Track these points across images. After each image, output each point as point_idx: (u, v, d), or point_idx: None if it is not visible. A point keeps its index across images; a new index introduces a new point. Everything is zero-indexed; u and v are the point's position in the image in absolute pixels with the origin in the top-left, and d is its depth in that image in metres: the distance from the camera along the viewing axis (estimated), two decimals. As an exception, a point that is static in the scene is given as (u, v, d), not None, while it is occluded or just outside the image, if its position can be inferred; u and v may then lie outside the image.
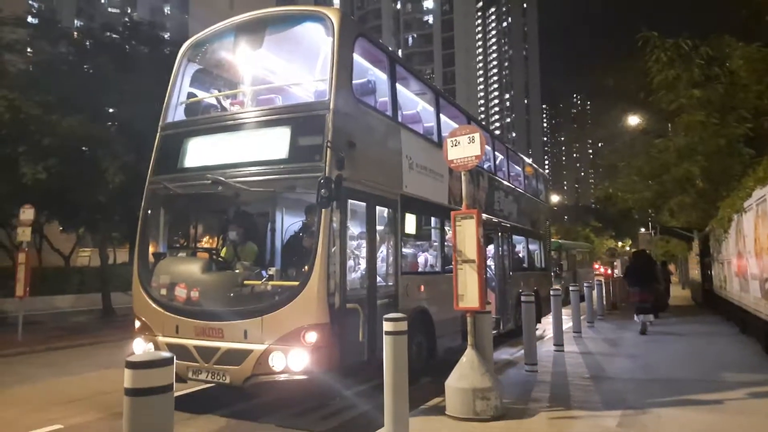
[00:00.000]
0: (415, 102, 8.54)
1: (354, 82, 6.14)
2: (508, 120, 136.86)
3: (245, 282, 5.67)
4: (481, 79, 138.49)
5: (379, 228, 6.34)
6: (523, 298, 7.70)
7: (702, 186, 13.87)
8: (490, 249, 10.06)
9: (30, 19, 16.43)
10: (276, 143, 5.70)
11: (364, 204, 6.04)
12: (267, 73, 7.43)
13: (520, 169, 13.51)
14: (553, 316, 9.34)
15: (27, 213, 11.22)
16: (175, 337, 5.52)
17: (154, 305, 5.78)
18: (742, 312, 10.16)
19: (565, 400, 5.66)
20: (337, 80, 5.65)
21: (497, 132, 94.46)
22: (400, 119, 7.31)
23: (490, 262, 10.00)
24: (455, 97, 66.12)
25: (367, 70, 7.03)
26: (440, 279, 7.61)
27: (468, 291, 5.26)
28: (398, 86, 7.36)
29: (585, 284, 12.24)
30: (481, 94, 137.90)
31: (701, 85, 12.95)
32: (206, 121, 6.50)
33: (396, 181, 6.76)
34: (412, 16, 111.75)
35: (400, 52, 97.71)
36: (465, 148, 5.58)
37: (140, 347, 5.73)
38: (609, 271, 40.56)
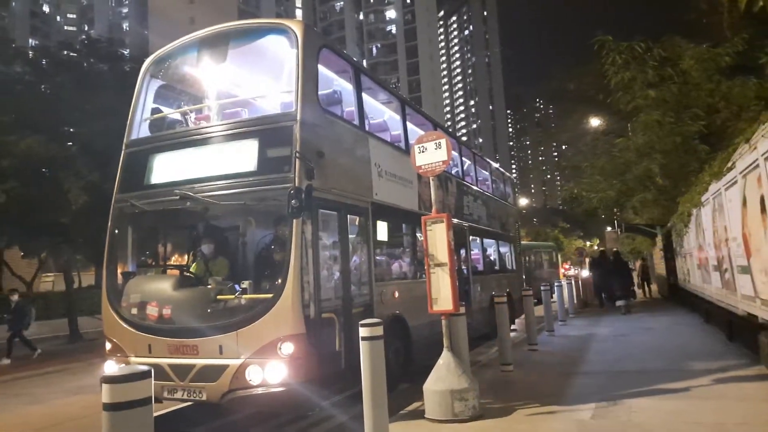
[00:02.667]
0: (381, 111, 8.63)
1: (320, 92, 6.18)
2: (474, 126, 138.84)
3: (218, 297, 5.60)
4: (446, 87, 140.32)
5: (351, 236, 6.36)
6: (496, 300, 7.83)
7: (662, 183, 14.37)
8: (462, 253, 10.19)
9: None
10: (244, 156, 5.67)
11: (335, 213, 6.05)
12: (232, 87, 7.41)
13: (487, 173, 13.74)
14: (525, 316, 9.50)
15: (-14, 238, 10.88)
16: (148, 356, 5.39)
17: (125, 325, 5.65)
18: (706, 303, 10.53)
19: (540, 396, 5.77)
20: (302, 91, 5.67)
21: (464, 138, 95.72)
22: (367, 128, 7.38)
23: (462, 266, 10.12)
24: (421, 105, 66.74)
25: (332, 81, 7.09)
26: (414, 285, 7.67)
27: (441, 294, 5.33)
28: (364, 96, 7.42)
29: (542, 287, 12.10)
30: (447, 101, 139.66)
31: (656, 86, 13.46)
32: (172, 136, 6.42)
33: (366, 189, 6.80)
34: (375, 26, 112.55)
35: (365, 62, 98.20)
36: (432, 153, 5.68)
37: (112, 369, 5.58)
38: (566, 269, 41.19)
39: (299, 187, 5.16)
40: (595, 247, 57.60)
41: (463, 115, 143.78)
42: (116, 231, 6.23)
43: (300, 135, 5.44)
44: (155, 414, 5.66)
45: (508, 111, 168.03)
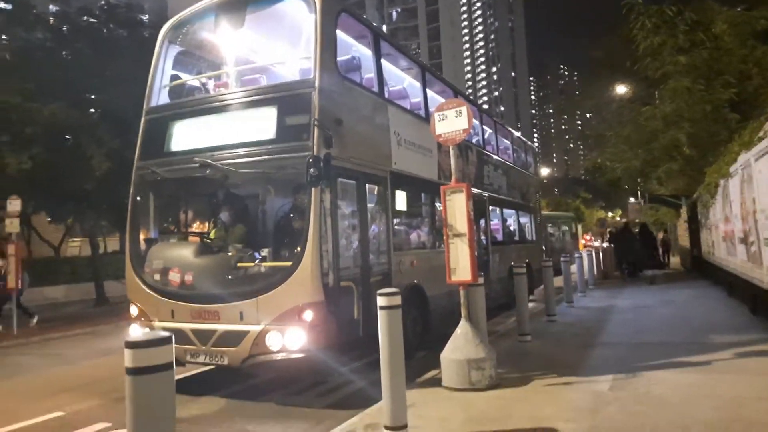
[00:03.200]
0: (401, 77, 8.48)
1: (339, 59, 6.09)
2: (496, 93, 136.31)
3: (239, 264, 5.66)
4: (468, 53, 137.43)
5: (369, 205, 6.35)
6: (515, 270, 7.79)
7: (689, 152, 13.98)
8: (481, 223, 10.12)
9: (2, 4, 16.01)
10: (262, 123, 5.66)
11: (354, 182, 6.03)
12: (250, 53, 7.34)
13: (508, 142, 13.52)
14: (544, 287, 9.45)
15: (14, 204, 11.10)
16: (171, 321, 5.53)
17: (148, 291, 5.78)
18: (730, 276, 10.35)
19: (558, 367, 5.77)
20: (321, 58, 5.59)
21: (485, 106, 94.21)
22: (386, 95, 7.27)
23: (481, 236, 10.07)
24: (442, 72, 65.68)
25: (351, 47, 6.96)
26: (433, 255, 7.66)
27: (460, 264, 5.31)
28: (384, 62, 7.30)
29: (562, 258, 11.78)
30: (468, 68, 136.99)
31: (686, 51, 12.98)
32: (191, 103, 6.42)
33: (385, 158, 6.75)
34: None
35: (384, 28, 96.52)
36: (452, 122, 5.57)
37: (136, 333, 5.73)
38: (588, 240, 40.61)
39: (318, 156, 5.13)
40: (618, 218, 56.93)
41: (484, 83, 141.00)
42: (138, 198, 6.31)
43: (318, 102, 5.40)
44: (178, 377, 5.87)
45: (531, 78, 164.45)
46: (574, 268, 13.01)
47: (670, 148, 14.57)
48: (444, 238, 5.49)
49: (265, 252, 5.71)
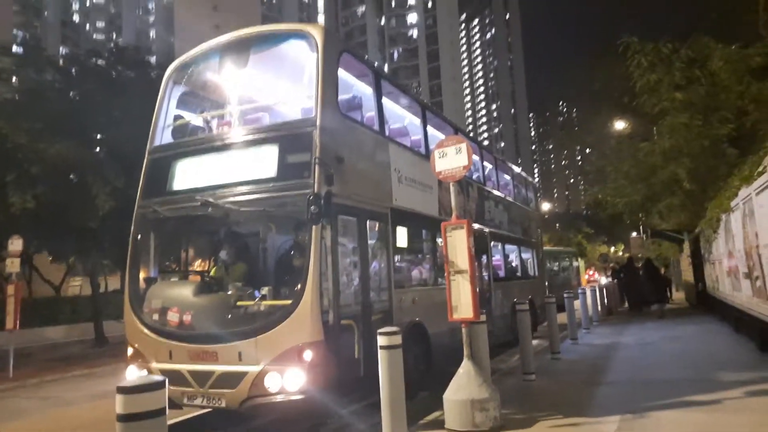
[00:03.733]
0: (401, 116, 8.59)
1: (340, 97, 6.19)
2: (496, 130, 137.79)
3: (238, 303, 5.61)
4: (468, 91, 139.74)
5: (370, 242, 6.35)
6: (518, 307, 7.71)
7: (689, 187, 14.01)
8: (483, 259, 10.07)
9: (15, 48, 16.43)
10: (264, 162, 5.71)
11: (354, 219, 6.04)
12: (253, 92, 7.46)
13: (509, 178, 13.59)
14: (548, 323, 9.32)
15: (15, 244, 11.12)
16: (169, 362, 5.44)
17: (146, 331, 5.71)
18: (736, 311, 10.21)
19: (563, 407, 5.64)
20: (322, 96, 5.68)
21: (486, 142, 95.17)
22: (387, 133, 7.35)
23: (483, 272, 10.00)
24: (442, 110, 66.65)
25: (352, 86, 7.08)
26: (434, 292, 7.60)
27: (462, 301, 5.25)
28: (384, 100, 7.41)
29: (565, 294, 11.18)
30: (468, 105, 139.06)
31: (683, 88, 13.16)
32: (194, 142, 6.49)
33: (386, 195, 6.78)
34: (396, 30, 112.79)
35: (386, 67, 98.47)
36: (452, 158, 5.61)
37: (134, 375, 5.64)
38: (591, 276, 40.32)
39: (318, 193, 5.16)
40: (620, 253, 56.64)
41: (484, 119, 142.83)
42: (139, 236, 6.31)
43: (320, 141, 5.46)
44: (176, 420, 5.71)
45: (531, 114, 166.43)
46: (577, 303, 12.87)
47: (670, 182, 14.62)
48: (445, 274, 5.44)
49: (265, 290, 5.65)
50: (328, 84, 5.85)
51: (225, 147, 6.13)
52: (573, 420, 5.17)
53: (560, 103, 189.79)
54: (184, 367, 5.34)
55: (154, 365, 5.55)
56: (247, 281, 6.08)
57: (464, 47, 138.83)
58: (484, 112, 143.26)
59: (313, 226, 5.13)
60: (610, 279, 21.65)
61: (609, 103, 21.23)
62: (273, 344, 5.01)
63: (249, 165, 5.87)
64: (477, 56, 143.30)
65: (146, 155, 6.63)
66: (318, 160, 5.32)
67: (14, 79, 15.04)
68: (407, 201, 7.28)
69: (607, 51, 17.80)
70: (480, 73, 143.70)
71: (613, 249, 61.81)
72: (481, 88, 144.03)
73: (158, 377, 2.35)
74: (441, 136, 9.04)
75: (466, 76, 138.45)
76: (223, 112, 7.19)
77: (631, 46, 13.42)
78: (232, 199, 5.67)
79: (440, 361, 7.13)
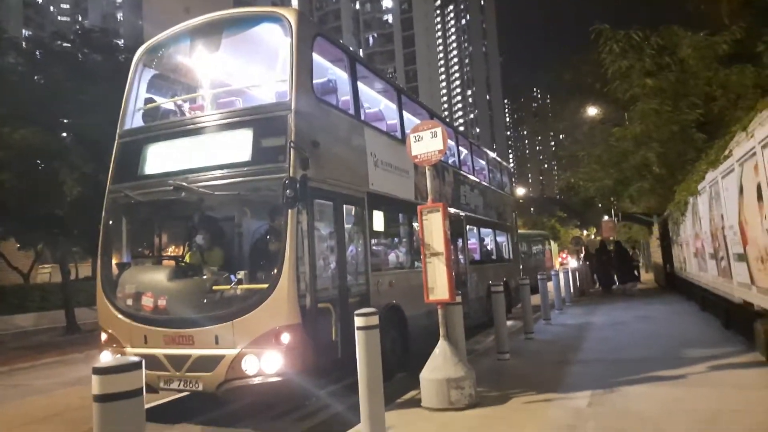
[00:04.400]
0: (377, 100, 8.58)
1: (315, 82, 6.14)
2: (472, 116, 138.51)
3: (214, 287, 5.59)
4: (443, 77, 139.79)
5: (347, 226, 6.35)
6: (492, 289, 7.84)
7: (659, 171, 14.37)
8: (459, 242, 10.17)
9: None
10: (238, 146, 5.64)
11: (331, 203, 6.04)
12: (226, 76, 7.35)
13: (484, 163, 13.70)
14: (522, 305, 9.50)
15: (-19, 230, 10.81)
16: (144, 347, 5.38)
17: (120, 316, 5.64)
18: (702, 291, 10.56)
19: (537, 385, 5.78)
20: (297, 80, 5.63)
21: (461, 128, 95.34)
22: (363, 117, 7.33)
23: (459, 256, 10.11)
24: (418, 95, 66.52)
25: (327, 70, 7.04)
26: (411, 274, 7.65)
27: (438, 283, 5.32)
28: (360, 85, 7.38)
29: (539, 276, 11.81)
30: (444, 91, 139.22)
31: (653, 74, 13.42)
32: (166, 126, 6.36)
33: (362, 179, 6.78)
34: (371, 15, 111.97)
35: (361, 52, 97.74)
36: (428, 143, 5.63)
37: (108, 360, 5.56)
38: (564, 259, 41.31)
39: (294, 177, 5.14)
40: (592, 236, 57.81)
41: (460, 105, 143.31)
42: (110, 222, 6.21)
43: (295, 124, 5.41)
44: (151, 404, 5.66)
45: (506, 101, 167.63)
46: (551, 285, 13.13)
47: (641, 167, 14.96)
48: (421, 257, 5.50)
49: (241, 275, 5.63)
50: (303, 68, 5.79)
51: (198, 131, 6.03)
52: (546, 396, 5.30)
53: (534, 90, 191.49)
54: (160, 351, 5.29)
55: (129, 350, 5.49)
56: (223, 266, 6.05)
57: (439, 33, 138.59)
58: (459, 98, 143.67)
59: (289, 211, 5.09)
60: (581, 262, 22.11)
61: (582, 90, 21.51)
62: (250, 328, 5.00)
63: (223, 149, 5.79)
64: (452, 42, 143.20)
65: (116, 139, 6.49)
66: (293, 144, 5.29)
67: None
68: (383, 185, 7.29)
69: (579, 39, 17.99)
70: (455, 59, 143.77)
71: (585, 232, 63.04)
72: (457, 74, 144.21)
73: (135, 358, 2.33)
74: (417, 121, 9.03)
75: (442, 62, 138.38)
76: (196, 95, 7.09)
77: (603, 33, 13.60)
78: (205, 183, 5.58)
79: (417, 343, 7.21)
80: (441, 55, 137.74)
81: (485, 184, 12.95)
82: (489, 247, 12.75)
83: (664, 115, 13.15)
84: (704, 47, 12.54)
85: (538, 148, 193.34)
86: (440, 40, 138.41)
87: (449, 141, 10.05)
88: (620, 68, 13.73)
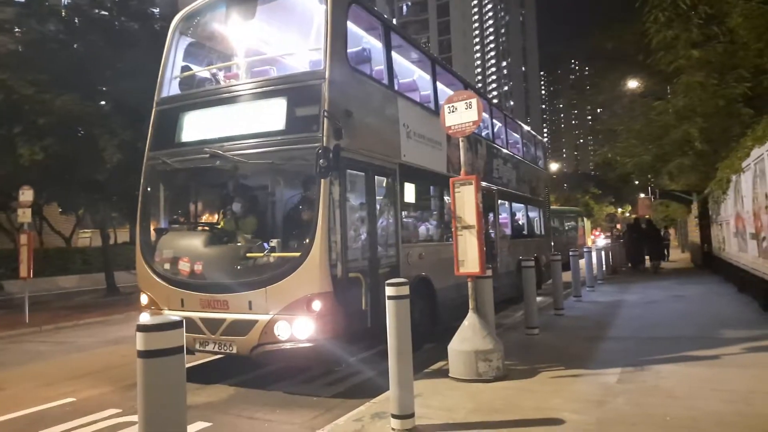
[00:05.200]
0: (411, 70, 8.48)
1: (349, 50, 6.09)
2: (506, 88, 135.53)
3: (248, 254, 5.69)
4: (478, 47, 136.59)
5: (378, 198, 6.37)
6: (523, 264, 7.79)
7: (701, 148, 13.83)
8: (490, 216, 10.09)
9: (17, -3, 16.09)
10: (272, 115, 5.67)
11: (363, 174, 6.05)
12: (261, 44, 7.35)
13: (518, 136, 13.46)
14: (552, 281, 9.42)
15: (26, 194, 11.21)
16: (181, 310, 5.58)
17: (158, 280, 5.86)
18: (741, 272, 10.28)
19: (566, 360, 5.77)
20: (331, 49, 5.59)
21: (495, 100, 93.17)
22: (396, 87, 7.26)
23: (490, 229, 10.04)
24: (452, 66, 65.23)
25: (361, 38, 6.96)
26: (441, 247, 7.66)
27: (468, 256, 5.31)
28: (394, 54, 7.29)
29: (570, 252, 11.74)
30: (478, 62, 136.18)
31: (700, 45, 12.82)
32: (202, 94, 6.42)
33: (394, 150, 6.74)
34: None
35: (394, 21, 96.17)
36: (462, 114, 5.56)
37: (147, 321, 5.77)
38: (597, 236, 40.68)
39: (327, 147, 5.16)
40: (627, 214, 56.54)
41: (494, 77, 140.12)
42: (148, 188, 6.38)
43: (328, 94, 5.40)
44: (189, 365, 5.88)
45: (542, 73, 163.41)
46: (582, 263, 12.96)
47: (682, 143, 14.43)
48: (452, 230, 5.49)
49: (274, 242, 5.71)
50: (337, 36, 5.74)
51: (233, 99, 6.08)
52: (575, 371, 5.30)
53: (572, 61, 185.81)
54: (196, 314, 5.49)
55: (167, 312, 5.72)
56: (257, 233, 6.13)
57: (475, 1, 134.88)
58: (494, 69, 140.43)
59: (322, 180, 5.13)
60: (609, 240, 21.78)
61: (623, 61, 20.77)
62: (282, 294, 5.11)
63: (257, 117, 5.84)
64: (488, 11, 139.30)
65: (154, 107, 6.60)
66: (327, 114, 5.29)
67: (17, 29, 14.80)
68: (416, 157, 7.24)
69: (622, 7, 17.26)
70: (491, 29, 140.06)
71: (620, 210, 61.70)
72: (492, 45, 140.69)
73: (176, 317, 2.42)
74: (450, 92, 8.89)
75: (477, 32, 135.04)
76: (231, 63, 7.12)
77: (649, 1, 13.00)
78: (240, 151, 5.66)
79: (445, 315, 7.26)
80: (476, 24, 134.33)
81: (519, 157, 12.73)
82: (520, 222, 12.59)
83: (710, 88, 12.58)
84: (756, 16, 11.86)
85: (573, 121, 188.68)
86: (476, 9, 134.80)
87: (483, 113, 9.86)
88: (665, 38, 13.14)
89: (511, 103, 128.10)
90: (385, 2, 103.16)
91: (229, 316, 5.33)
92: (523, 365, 5.59)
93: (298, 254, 5.25)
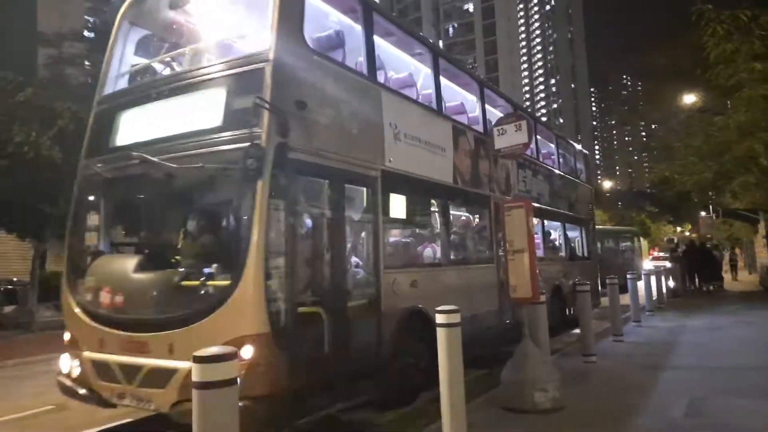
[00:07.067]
0: (406, 63, 7.34)
1: (315, 34, 5.38)
2: (555, 106, 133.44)
3: (176, 283, 4.50)
4: (526, 65, 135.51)
5: (350, 212, 5.29)
6: (578, 288, 7.53)
7: (767, 164, 13.14)
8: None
9: (87, 33, 17.17)
10: (208, 109, 4.63)
11: (326, 181, 4.92)
12: (212, 30, 5.89)
13: (552, 145, 11.95)
14: (610, 304, 9.04)
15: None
16: (99, 351, 4.55)
17: (79, 313, 4.84)
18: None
19: (626, 390, 5.50)
20: (279, 25, 4.53)
21: (544, 118, 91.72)
22: (385, 81, 6.36)
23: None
24: (499, 85, 64.97)
25: (335, 21, 6.08)
26: (446, 273, 6.63)
27: (521, 281, 5.19)
28: (382, 42, 6.49)
29: (628, 275, 10.82)
30: (526, 80, 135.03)
31: (762, 58, 12.27)
32: (137, 89, 5.38)
33: (375, 154, 5.57)
34: (452, 5, 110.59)
35: (441, 43, 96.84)
36: (512, 136, 5.51)
37: (66, 364, 4.87)
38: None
39: (259, 145, 4.12)
40: (686, 233, 54.17)
41: (543, 95, 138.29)
42: (79, 201, 5.42)
43: (272, 79, 4.34)
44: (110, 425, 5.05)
45: (592, 89, 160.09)
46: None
47: (746, 159, 13.76)
48: (503, 253, 5.35)
49: (212, 269, 4.47)
50: (288, 10, 4.66)
51: (169, 93, 4.97)
52: (637, 402, 5.03)
53: (623, 77, 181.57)
54: (114, 358, 4.44)
55: (86, 354, 4.69)
56: (190, 256, 4.93)
57: (522, 20, 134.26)
58: (542, 87, 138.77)
59: (259, 188, 4.04)
60: (673, 262, 20.76)
61: (678, 76, 20.14)
62: (207, 335, 3.89)
63: (193, 113, 4.77)
64: (535, 29, 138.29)
65: (93, 107, 5.63)
66: (269, 104, 4.21)
67: (86, 63, 15.70)
68: (407, 163, 6.07)
69: (675, 20, 16.80)
70: (538, 47, 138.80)
71: (679, 229, 59.19)
72: (540, 63, 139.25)
73: (229, 348, 2.46)
74: (456, 88, 8.17)
75: (524, 50, 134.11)
76: (176, 53, 5.81)
77: (705, 14, 12.58)
78: (173, 155, 4.56)
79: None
80: (523, 43, 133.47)
81: (552, 169, 11.14)
82: (556, 243, 11.17)
83: (774, 101, 12.01)
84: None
85: (626, 138, 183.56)
86: (523, 28, 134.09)
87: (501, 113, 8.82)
88: (724, 52, 12.67)
89: (561, 120, 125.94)
90: (431, 25, 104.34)
91: (148, 363, 4.21)
92: (581, 396, 5.36)
93: (227, 283, 4.11)
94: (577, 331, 7.97)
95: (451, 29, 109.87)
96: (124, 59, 5.77)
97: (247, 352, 3.82)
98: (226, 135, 4.38)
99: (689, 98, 20.37)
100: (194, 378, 2.35)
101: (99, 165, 5.14)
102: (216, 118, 4.51)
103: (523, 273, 5.18)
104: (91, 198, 5.48)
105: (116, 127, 5.25)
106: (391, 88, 6.34)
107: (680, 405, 4.90)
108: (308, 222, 4.76)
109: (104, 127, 5.34)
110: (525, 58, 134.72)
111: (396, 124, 5.93)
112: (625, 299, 10.75)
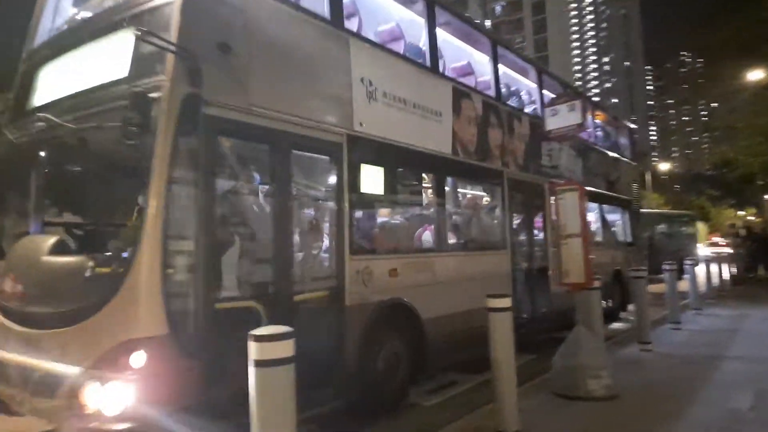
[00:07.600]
0: (389, 14, 6.18)
1: None
2: (608, 85, 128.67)
3: (73, 267, 3.70)
4: (577, 44, 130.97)
5: (301, 184, 4.58)
6: (632, 274, 7.30)
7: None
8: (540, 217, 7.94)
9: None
10: (116, 57, 3.79)
11: (266, 146, 4.08)
12: None
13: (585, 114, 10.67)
14: (667, 292, 8.71)
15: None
16: (3, 348, 3.77)
17: None
18: None
19: (685, 379, 5.31)
20: None
21: (596, 98, 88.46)
22: (358, 29, 5.38)
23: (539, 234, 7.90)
24: (548, 65, 63.06)
25: None
26: (439, 260, 5.65)
27: (573, 266, 5.07)
28: None
29: (686, 261, 10.59)
30: (577, 59, 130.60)
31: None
32: (54, 41, 4.61)
33: (339, 116, 4.67)
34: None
35: (488, 23, 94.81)
36: (565, 116, 5.38)
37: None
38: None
39: (157, 98, 3.31)
40: (750, 218, 51.55)
41: (595, 74, 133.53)
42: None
43: (182, 16, 3.50)
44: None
45: (647, 67, 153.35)
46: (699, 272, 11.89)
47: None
48: (555, 239, 5.23)
49: (126, 254, 3.51)
50: None
51: (78, 41, 4.21)
52: (696, 393, 4.85)
53: (682, 54, 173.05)
54: (12, 357, 3.65)
55: None
56: (96, 237, 4.36)
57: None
58: (594, 66, 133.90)
59: (158, 151, 3.23)
60: (735, 248, 19.85)
61: (742, 52, 19.02)
62: (95, 336, 3.22)
63: (102, 63, 3.94)
64: (587, 5, 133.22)
65: (20, 66, 4.85)
66: (176, 47, 3.38)
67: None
68: (385, 128, 5.13)
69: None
70: (590, 24, 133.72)
71: (742, 213, 56.34)
72: (592, 41, 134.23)
73: (285, 328, 2.51)
74: (455, 41, 7.00)
75: (575, 28, 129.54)
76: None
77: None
78: (79, 114, 3.84)
79: (436, 356, 5.26)
80: (574, 21, 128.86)
81: (586, 142, 9.52)
82: (591, 227, 9.53)
83: None
84: None
85: (685, 118, 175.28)
86: (574, 5, 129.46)
87: (531, 82, 8.39)
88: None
89: (615, 100, 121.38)
90: (478, 5, 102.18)
91: (42, 365, 3.42)
92: (637, 384, 5.20)
93: (120, 270, 3.32)
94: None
95: (498, 8, 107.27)
96: (56, 7, 4.89)
97: (138, 359, 3.05)
98: (128, 87, 3.48)
99: (755, 75, 19.20)
100: (252, 356, 2.42)
101: (14, 131, 4.41)
102: (123, 68, 3.68)
103: (577, 258, 5.05)
104: (9, 169, 4.61)
105: (35, 87, 4.54)
106: (363, 37, 5.32)
107: (746, 397, 4.69)
108: (238, 196, 4.05)
109: (27, 86, 4.60)
110: (576, 36, 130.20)
111: (371, 81, 4.99)
112: (681, 286, 10.32)
